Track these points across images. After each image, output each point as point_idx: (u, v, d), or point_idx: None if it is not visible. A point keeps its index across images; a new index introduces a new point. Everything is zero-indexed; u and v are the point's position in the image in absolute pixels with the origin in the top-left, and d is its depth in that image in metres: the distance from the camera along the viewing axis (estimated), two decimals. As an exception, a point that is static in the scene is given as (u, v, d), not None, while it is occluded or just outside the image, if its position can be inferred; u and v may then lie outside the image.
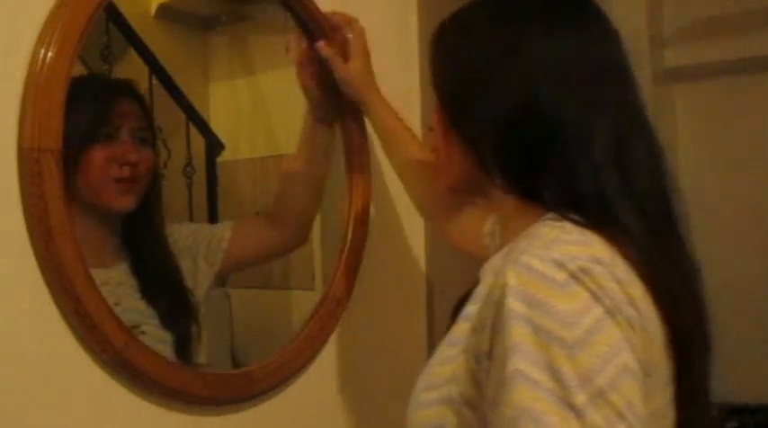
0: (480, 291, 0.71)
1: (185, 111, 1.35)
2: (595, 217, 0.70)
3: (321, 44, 1.22)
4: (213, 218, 1.38)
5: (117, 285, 1.10)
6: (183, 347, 1.14)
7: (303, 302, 1.41)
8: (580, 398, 0.59)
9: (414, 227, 1.48)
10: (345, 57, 1.21)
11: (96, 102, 1.08)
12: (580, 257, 0.64)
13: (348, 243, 1.28)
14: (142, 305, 1.11)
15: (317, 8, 1.23)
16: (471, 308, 0.72)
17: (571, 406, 0.58)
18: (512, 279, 0.64)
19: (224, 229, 1.26)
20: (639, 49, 2.55)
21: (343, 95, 1.24)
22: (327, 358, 1.26)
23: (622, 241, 0.69)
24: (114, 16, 1.16)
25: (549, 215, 0.71)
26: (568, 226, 0.69)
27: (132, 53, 1.25)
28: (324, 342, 1.24)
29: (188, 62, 1.42)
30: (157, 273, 1.16)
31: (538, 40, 0.75)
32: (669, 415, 0.72)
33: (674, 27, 2.40)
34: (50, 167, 0.87)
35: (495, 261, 0.74)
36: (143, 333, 1.06)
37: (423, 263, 1.50)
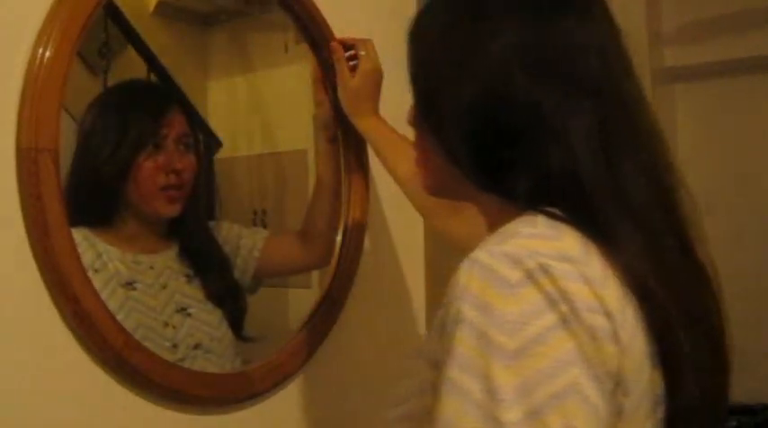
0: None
1: (183, 108, 1.34)
2: (573, 213, 0.63)
3: (335, 44, 1.22)
4: (211, 214, 1.38)
5: (163, 269, 1.15)
6: (234, 323, 1.20)
7: (300, 300, 1.41)
8: (511, 415, 0.52)
9: (412, 228, 1.48)
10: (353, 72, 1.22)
11: (147, 115, 1.13)
12: (542, 252, 0.57)
13: (346, 243, 1.28)
14: (189, 288, 1.17)
15: (317, 9, 1.22)
16: (439, 314, 0.64)
17: (498, 423, 0.53)
18: (462, 277, 0.59)
19: (258, 238, 1.30)
20: (639, 49, 2.54)
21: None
22: (325, 358, 1.25)
23: (604, 240, 0.61)
24: (113, 13, 1.16)
25: (528, 212, 0.64)
26: (540, 219, 0.62)
27: (131, 50, 1.24)
28: (321, 342, 1.24)
29: (186, 59, 1.41)
30: (203, 258, 1.21)
31: (512, 27, 0.68)
32: None
33: (673, 27, 2.39)
34: (48, 167, 0.87)
35: None
36: (189, 315, 1.13)
37: (421, 264, 1.50)
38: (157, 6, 1.30)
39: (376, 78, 1.21)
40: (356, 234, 1.30)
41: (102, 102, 1.15)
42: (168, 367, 1.00)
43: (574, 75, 0.67)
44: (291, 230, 1.37)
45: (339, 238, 1.29)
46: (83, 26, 0.91)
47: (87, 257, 0.97)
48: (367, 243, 1.33)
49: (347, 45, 1.23)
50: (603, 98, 0.67)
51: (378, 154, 1.24)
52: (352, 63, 1.23)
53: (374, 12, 1.41)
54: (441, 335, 0.60)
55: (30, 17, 0.88)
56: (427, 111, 0.75)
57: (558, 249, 0.59)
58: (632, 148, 0.67)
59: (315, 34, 1.23)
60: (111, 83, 1.18)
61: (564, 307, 0.56)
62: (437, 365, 0.60)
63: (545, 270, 0.57)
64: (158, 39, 1.29)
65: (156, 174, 1.12)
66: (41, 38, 0.88)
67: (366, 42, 1.22)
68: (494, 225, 0.69)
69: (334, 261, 1.28)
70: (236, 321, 1.21)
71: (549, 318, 0.55)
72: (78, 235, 0.95)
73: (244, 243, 1.29)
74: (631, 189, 0.65)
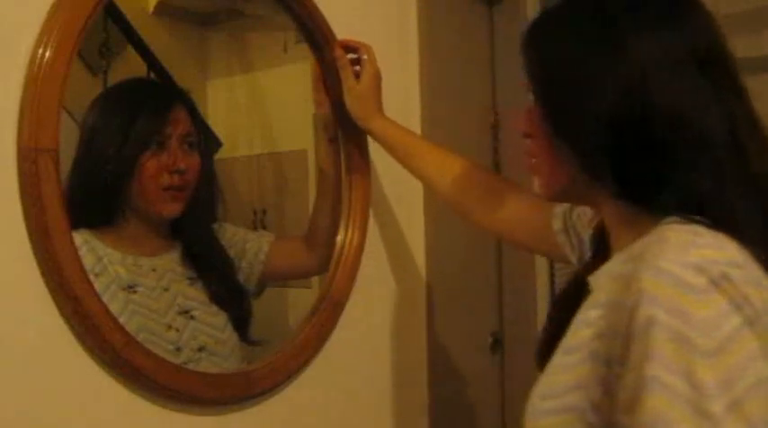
0: (599, 298, 0.70)
1: (186, 106, 1.34)
2: (718, 218, 0.67)
3: (339, 51, 1.23)
4: (214, 216, 1.37)
5: (165, 272, 1.14)
6: (239, 326, 1.19)
7: (300, 300, 1.41)
8: (717, 407, 0.59)
9: (413, 228, 1.48)
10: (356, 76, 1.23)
11: (151, 112, 1.13)
12: (720, 261, 0.63)
13: (347, 243, 1.28)
14: (192, 290, 1.16)
15: (317, 8, 1.22)
16: (592, 314, 0.70)
17: (707, 415, 0.59)
18: (648, 285, 0.63)
19: (263, 242, 1.29)
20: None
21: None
22: (326, 359, 1.25)
23: (749, 243, 0.66)
24: (113, 13, 1.16)
25: (672, 218, 0.68)
26: (700, 229, 0.67)
27: (130, 50, 1.24)
28: (322, 342, 1.24)
29: (186, 59, 1.41)
30: (206, 260, 1.21)
31: (643, 33, 0.71)
32: None
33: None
34: (48, 167, 0.87)
35: (612, 267, 0.73)
36: (192, 317, 1.13)
37: (422, 264, 1.50)
38: (157, 6, 1.30)
39: (378, 81, 1.24)
40: (357, 234, 1.29)
41: (104, 100, 1.15)
42: (169, 367, 1.00)
43: (709, 80, 0.70)
44: (297, 235, 1.36)
45: (340, 238, 1.29)
46: (83, 26, 0.90)
47: (87, 261, 0.96)
48: (367, 243, 1.33)
49: (349, 48, 1.24)
50: (730, 107, 0.71)
51: (395, 154, 1.25)
52: (354, 68, 1.24)
53: (374, 12, 1.41)
54: (616, 336, 0.65)
55: (30, 17, 0.88)
56: (562, 124, 0.76)
57: (729, 257, 0.64)
58: (759, 150, 0.71)
59: (314, 34, 1.23)
60: (111, 83, 1.18)
61: (748, 310, 0.62)
62: (608, 362, 0.66)
63: (726, 277, 0.63)
64: (158, 39, 1.29)
65: (159, 174, 1.11)
66: (41, 38, 0.88)
67: (367, 46, 1.24)
68: (617, 226, 0.77)
69: (334, 261, 1.28)
70: (241, 324, 1.20)
71: (736, 320, 0.62)
72: (79, 238, 0.95)
73: (249, 246, 1.28)
74: (762, 193, 0.70)
